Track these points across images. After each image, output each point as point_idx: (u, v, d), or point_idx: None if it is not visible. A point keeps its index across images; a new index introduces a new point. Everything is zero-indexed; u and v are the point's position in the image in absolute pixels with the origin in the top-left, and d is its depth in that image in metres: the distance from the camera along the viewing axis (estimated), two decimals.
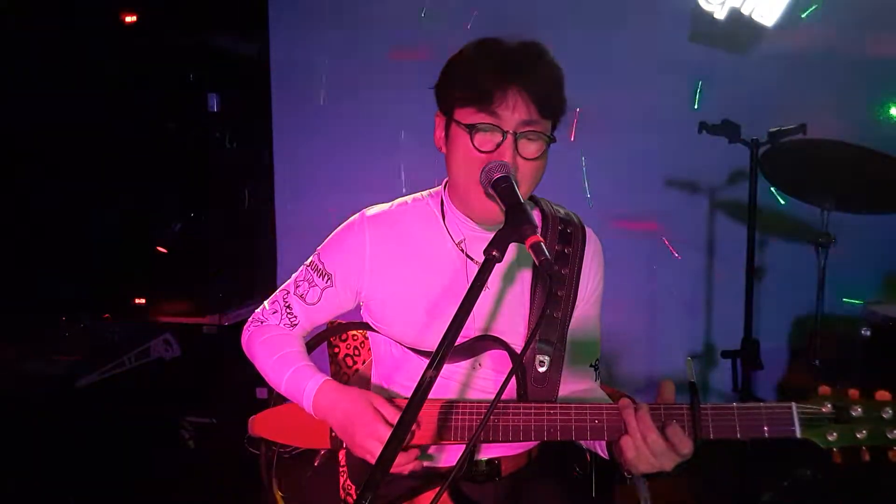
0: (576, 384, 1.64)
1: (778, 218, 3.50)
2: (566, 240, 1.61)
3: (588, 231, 1.66)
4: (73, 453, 3.37)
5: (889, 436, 1.27)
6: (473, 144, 1.44)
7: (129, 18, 4.01)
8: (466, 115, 1.46)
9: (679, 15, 3.63)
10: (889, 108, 3.48)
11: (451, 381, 1.60)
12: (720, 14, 3.50)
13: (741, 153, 3.08)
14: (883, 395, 1.29)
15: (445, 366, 1.32)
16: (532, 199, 1.67)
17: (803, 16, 3.42)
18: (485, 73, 1.44)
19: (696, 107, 3.30)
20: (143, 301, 4.10)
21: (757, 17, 3.47)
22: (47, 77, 3.99)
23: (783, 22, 3.46)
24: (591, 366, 1.67)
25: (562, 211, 1.68)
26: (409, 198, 1.69)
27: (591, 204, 3.37)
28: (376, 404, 1.50)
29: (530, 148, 1.46)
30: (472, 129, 1.44)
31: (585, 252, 1.63)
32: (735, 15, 3.48)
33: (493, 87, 1.42)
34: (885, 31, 3.46)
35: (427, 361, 1.18)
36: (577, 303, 1.60)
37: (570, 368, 1.59)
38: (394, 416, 1.47)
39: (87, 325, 3.93)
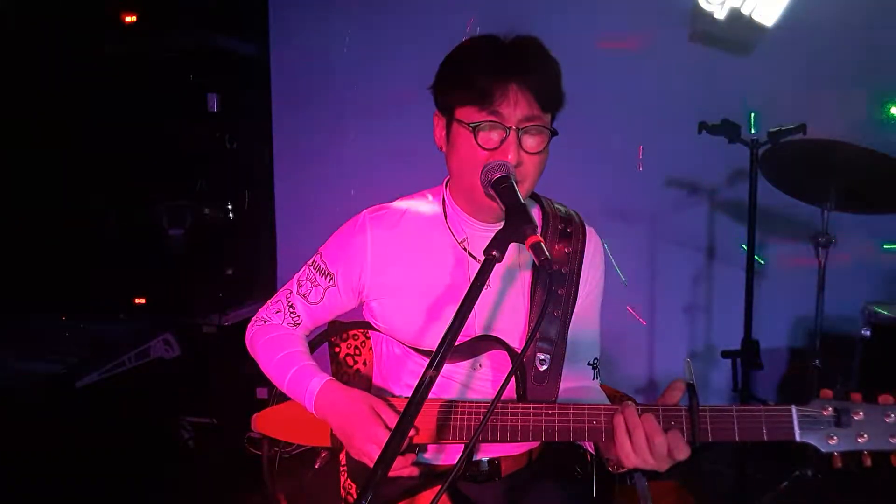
0: (575, 382, 1.64)
1: (778, 218, 3.50)
2: (566, 238, 1.62)
3: (589, 230, 1.67)
4: (73, 453, 3.37)
5: (892, 441, 1.25)
6: (477, 142, 1.44)
7: (129, 18, 4.01)
8: (468, 114, 1.46)
9: (679, 15, 3.63)
10: (889, 108, 3.48)
11: (452, 380, 1.60)
12: (720, 14, 3.50)
13: (741, 153, 3.08)
14: (886, 399, 1.27)
15: (446, 366, 1.32)
16: (533, 196, 1.68)
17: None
18: (483, 71, 1.44)
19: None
20: (143, 301, 4.10)
21: (757, 17, 3.47)
22: (47, 76, 3.98)
23: (783, 22, 3.46)
24: (589, 364, 1.67)
25: (562, 209, 1.68)
26: (410, 197, 1.70)
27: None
28: (376, 407, 1.50)
29: (533, 142, 1.47)
30: (474, 127, 1.45)
31: (585, 251, 1.63)
32: (735, 15, 3.49)
33: (494, 84, 1.43)
34: (886, 31, 3.46)
35: (428, 361, 1.19)
36: (577, 301, 1.60)
37: (569, 367, 1.60)
38: (392, 420, 1.47)
39: (87, 325, 3.93)
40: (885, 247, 3.46)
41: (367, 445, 1.44)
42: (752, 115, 3.40)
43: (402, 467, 1.46)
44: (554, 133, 1.50)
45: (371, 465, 1.23)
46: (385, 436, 1.37)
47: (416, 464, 1.50)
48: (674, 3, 3.64)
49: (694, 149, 3.36)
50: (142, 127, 4.02)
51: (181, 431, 3.69)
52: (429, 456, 1.60)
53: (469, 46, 1.51)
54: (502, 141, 1.44)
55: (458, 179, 1.55)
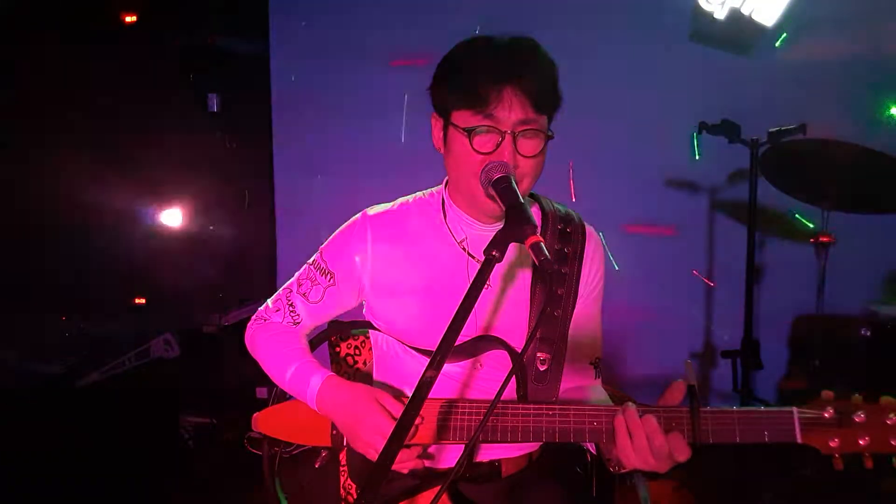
0: (576, 382, 1.64)
1: (778, 218, 3.50)
2: (566, 238, 1.62)
3: (588, 229, 1.66)
4: (73, 453, 3.37)
5: (893, 442, 1.25)
6: (472, 147, 1.44)
7: (129, 18, 4.01)
8: (463, 118, 1.46)
9: (679, 15, 3.63)
10: (889, 108, 3.48)
11: (453, 380, 1.60)
12: (720, 14, 3.50)
13: (741, 153, 3.08)
14: (887, 400, 1.27)
15: (446, 366, 1.33)
16: (532, 196, 1.68)
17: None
18: (478, 75, 1.44)
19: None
20: (143, 301, 4.10)
21: (757, 17, 3.47)
22: (47, 76, 3.98)
23: (783, 22, 3.46)
24: (591, 363, 1.67)
25: (562, 209, 1.68)
26: (410, 197, 1.70)
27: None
28: (380, 399, 1.50)
29: (529, 145, 1.46)
30: (470, 131, 1.44)
31: (585, 250, 1.63)
32: (735, 15, 3.48)
33: (488, 89, 1.42)
34: (885, 31, 3.45)
35: (428, 361, 1.18)
36: (577, 301, 1.60)
37: (570, 366, 1.60)
38: (397, 411, 1.47)
39: (87, 325, 3.93)
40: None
41: (373, 437, 1.45)
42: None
43: (408, 460, 1.46)
44: (550, 136, 1.49)
45: (375, 457, 1.22)
46: (390, 426, 1.37)
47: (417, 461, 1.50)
48: (674, 3, 3.64)
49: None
50: (142, 127, 4.02)
51: (181, 431, 3.69)
52: (429, 455, 1.59)
53: (464, 49, 1.51)
54: (497, 145, 1.44)
55: (456, 181, 1.55)
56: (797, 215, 3.06)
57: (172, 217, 4.11)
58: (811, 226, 2.98)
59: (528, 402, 1.51)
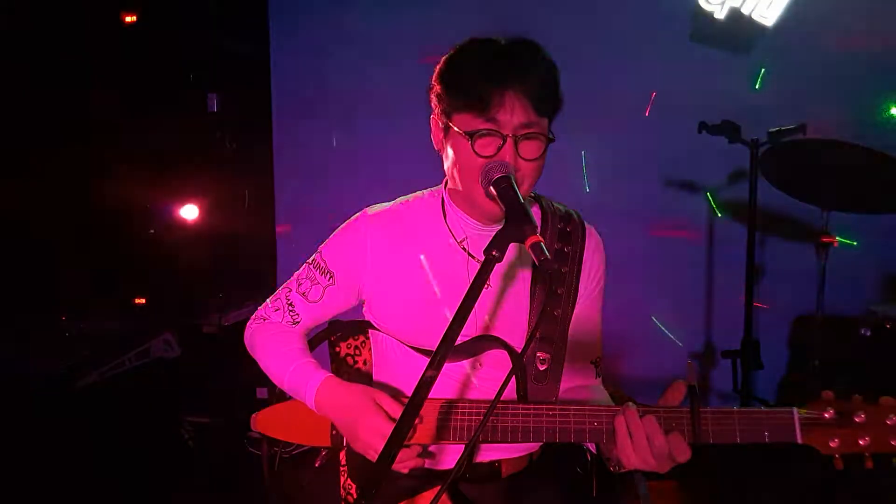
0: (577, 381, 1.64)
1: (778, 218, 3.50)
2: (565, 238, 1.61)
3: (588, 229, 1.66)
4: (74, 453, 3.37)
5: (893, 443, 1.25)
6: (474, 150, 1.44)
7: (129, 18, 4.01)
8: (464, 122, 1.46)
9: (679, 15, 3.63)
10: (889, 108, 3.48)
11: (452, 380, 1.60)
12: (720, 14, 3.49)
13: (741, 153, 3.08)
14: (887, 400, 1.27)
15: (446, 365, 1.32)
16: (532, 196, 1.68)
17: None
18: (479, 78, 1.43)
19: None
20: (143, 301, 4.10)
21: (757, 17, 3.47)
22: (47, 76, 3.98)
23: (783, 22, 3.46)
24: (591, 363, 1.67)
25: (562, 209, 1.68)
26: (410, 196, 1.70)
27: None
28: (378, 399, 1.50)
29: (530, 148, 1.46)
30: (471, 135, 1.44)
31: (585, 250, 1.63)
32: (735, 15, 3.48)
33: (490, 92, 1.42)
34: (885, 31, 3.45)
35: (428, 360, 1.18)
36: (577, 300, 1.60)
37: (571, 366, 1.60)
38: (396, 412, 1.47)
39: (87, 325, 3.94)
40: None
41: (372, 437, 1.45)
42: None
43: (408, 459, 1.46)
44: (551, 140, 1.49)
45: (375, 458, 1.22)
46: (389, 427, 1.37)
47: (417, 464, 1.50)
48: (674, 3, 3.64)
49: (694, 149, 3.36)
50: (142, 127, 4.03)
51: (181, 431, 3.69)
52: (429, 453, 1.59)
53: (465, 51, 1.51)
54: (499, 148, 1.44)
55: (457, 184, 1.55)
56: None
57: (172, 217, 4.11)
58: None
59: (528, 402, 1.51)
